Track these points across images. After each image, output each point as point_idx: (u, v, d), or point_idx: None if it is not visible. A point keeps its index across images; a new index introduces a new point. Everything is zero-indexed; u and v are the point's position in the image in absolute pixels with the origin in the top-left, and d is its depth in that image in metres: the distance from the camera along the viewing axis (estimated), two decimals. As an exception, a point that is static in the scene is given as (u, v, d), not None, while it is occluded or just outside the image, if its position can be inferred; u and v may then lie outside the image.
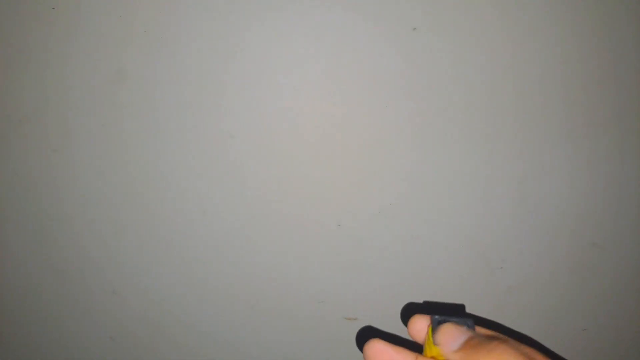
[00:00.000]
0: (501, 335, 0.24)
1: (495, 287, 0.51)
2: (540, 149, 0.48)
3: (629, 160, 0.49)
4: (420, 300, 0.51)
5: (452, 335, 0.23)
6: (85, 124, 0.48)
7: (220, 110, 0.47)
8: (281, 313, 0.53)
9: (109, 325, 0.54)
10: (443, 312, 0.26)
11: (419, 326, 0.27)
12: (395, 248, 0.50)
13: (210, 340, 0.54)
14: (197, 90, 0.47)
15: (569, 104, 0.47)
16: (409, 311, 0.50)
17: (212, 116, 0.47)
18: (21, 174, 0.50)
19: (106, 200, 0.50)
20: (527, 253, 0.50)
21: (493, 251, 0.50)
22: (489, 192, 0.49)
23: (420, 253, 0.50)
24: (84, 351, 0.55)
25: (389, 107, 0.47)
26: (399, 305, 0.51)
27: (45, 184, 0.50)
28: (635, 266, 0.51)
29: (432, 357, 0.24)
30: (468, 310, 0.51)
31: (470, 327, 0.24)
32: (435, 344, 0.24)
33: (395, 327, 0.51)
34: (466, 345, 0.23)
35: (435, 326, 0.25)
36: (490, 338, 0.22)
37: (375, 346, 0.26)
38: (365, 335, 0.52)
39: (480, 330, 0.25)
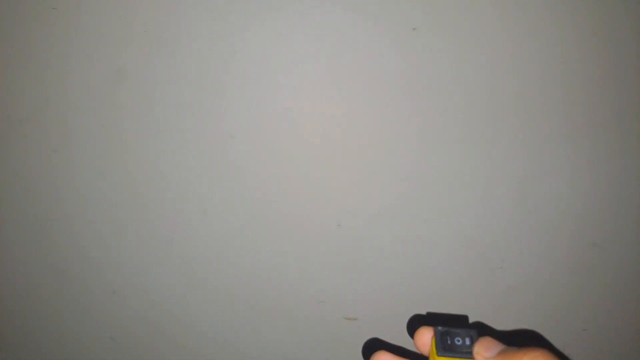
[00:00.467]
0: (534, 347, 0.25)
1: (495, 287, 0.51)
2: (540, 149, 0.48)
3: (629, 160, 0.49)
4: (421, 301, 0.51)
5: (490, 345, 0.24)
6: (85, 124, 0.48)
7: (220, 110, 0.47)
8: (281, 313, 0.53)
9: (109, 325, 0.54)
10: (447, 324, 0.26)
11: (425, 338, 0.27)
12: (395, 248, 0.50)
13: (210, 340, 0.54)
14: (197, 90, 0.47)
15: (569, 104, 0.47)
16: (415, 323, 0.50)
17: (212, 116, 0.47)
18: (21, 174, 0.50)
19: (106, 200, 0.50)
20: (527, 253, 0.50)
21: (493, 251, 0.50)
22: (489, 192, 0.49)
23: (420, 253, 0.50)
24: (84, 351, 0.55)
25: (389, 107, 0.47)
26: (399, 305, 0.51)
27: (45, 184, 0.50)
28: (635, 266, 0.51)
29: None
30: (468, 310, 0.51)
31: (474, 339, 0.25)
32: (474, 352, 0.24)
33: (395, 327, 0.51)
34: (502, 355, 0.24)
35: (438, 338, 0.25)
36: (525, 349, 0.23)
37: (381, 358, 0.27)
38: (371, 346, 0.52)
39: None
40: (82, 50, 0.47)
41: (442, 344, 0.24)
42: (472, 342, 0.24)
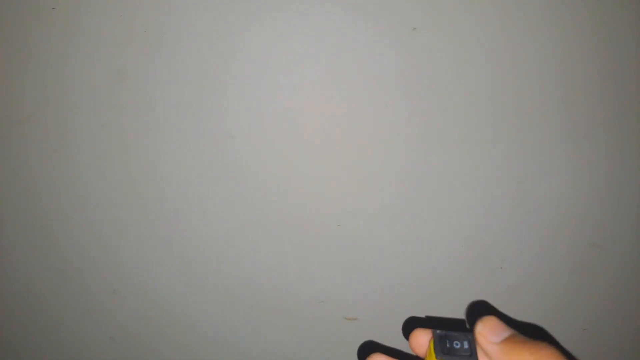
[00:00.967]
0: (544, 342, 0.24)
1: (495, 287, 0.51)
2: (540, 149, 0.48)
3: (628, 160, 0.49)
4: (420, 301, 0.51)
5: (496, 327, 0.24)
6: (85, 124, 0.48)
7: (220, 110, 0.47)
8: (281, 313, 0.53)
9: (109, 325, 0.54)
10: (444, 327, 0.26)
11: (420, 340, 0.27)
12: (395, 248, 0.50)
13: (211, 340, 0.54)
14: (197, 90, 0.47)
15: (569, 104, 0.47)
16: (410, 325, 0.50)
17: (212, 116, 0.47)
18: (21, 174, 0.50)
19: (106, 200, 0.50)
20: (527, 253, 0.50)
21: (493, 251, 0.50)
22: (489, 192, 0.49)
23: (420, 253, 0.50)
24: (84, 351, 0.55)
25: (389, 107, 0.47)
26: (399, 305, 0.51)
27: (45, 184, 0.50)
28: (635, 266, 0.51)
29: None
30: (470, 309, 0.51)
31: (472, 343, 0.24)
32: (476, 332, 0.24)
33: (395, 327, 0.51)
34: (508, 341, 0.23)
35: (437, 341, 0.25)
36: (534, 340, 0.22)
37: None
38: (367, 349, 0.52)
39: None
40: (82, 50, 0.47)
41: (441, 347, 0.24)
42: (470, 345, 0.24)
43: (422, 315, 0.51)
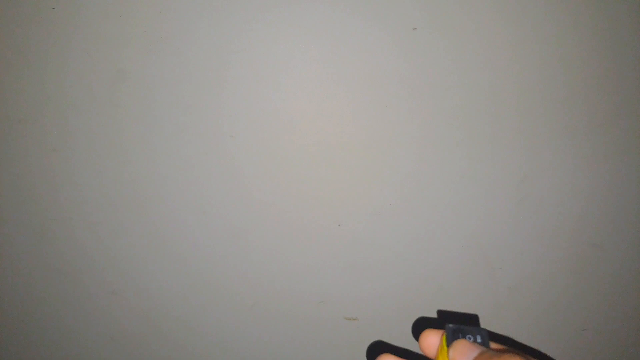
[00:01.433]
0: (512, 350, 0.24)
1: (495, 287, 0.51)
2: (540, 149, 0.48)
3: (628, 160, 0.49)
4: (420, 301, 0.51)
5: (464, 350, 0.24)
6: (85, 123, 0.48)
7: (220, 111, 0.47)
8: (281, 313, 0.53)
9: (109, 325, 0.54)
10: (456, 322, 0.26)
11: (431, 340, 0.26)
12: (395, 248, 0.50)
13: (210, 340, 0.54)
14: (197, 91, 0.47)
15: (569, 105, 0.47)
16: (420, 325, 0.50)
17: (213, 116, 0.47)
18: (21, 173, 0.50)
19: (106, 200, 0.50)
20: (527, 253, 0.50)
21: (493, 251, 0.50)
22: (489, 192, 0.49)
23: (420, 253, 0.50)
24: (84, 351, 0.55)
25: (389, 107, 0.47)
26: (399, 305, 0.51)
27: (45, 183, 0.50)
28: (635, 266, 0.51)
29: None
30: (468, 311, 0.51)
31: (484, 338, 0.24)
32: (449, 356, 0.24)
33: (395, 327, 0.51)
34: (478, 359, 0.23)
35: (449, 335, 0.25)
36: (502, 352, 0.22)
37: None
38: (376, 349, 0.52)
39: (493, 345, 0.25)
40: (82, 50, 0.46)
41: (452, 340, 0.24)
42: (483, 339, 0.24)
43: (421, 314, 0.51)
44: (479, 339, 0.24)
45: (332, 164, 0.48)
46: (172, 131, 0.48)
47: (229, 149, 0.48)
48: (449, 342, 0.24)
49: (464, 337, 0.24)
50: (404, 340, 0.51)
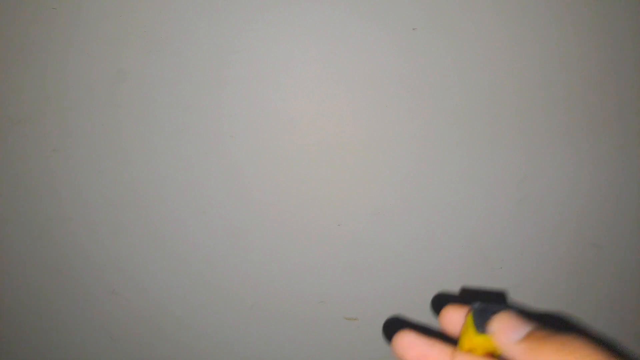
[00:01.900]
0: (573, 334, 0.22)
1: (495, 287, 0.51)
2: (540, 150, 0.48)
3: (628, 160, 0.49)
4: (421, 301, 0.51)
5: (514, 324, 0.21)
6: (85, 123, 0.48)
7: (220, 111, 0.47)
8: (281, 313, 0.53)
9: (109, 325, 0.54)
10: (483, 300, 0.23)
11: (454, 317, 0.24)
12: (395, 248, 0.50)
13: (210, 340, 0.54)
14: (197, 91, 0.47)
15: (569, 105, 0.47)
16: (440, 301, 0.49)
17: (213, 116, 0.47)
18: (21, 173, 0.50)
19: (106, 200, 0.50)
20: (527, 253, 0.50)
21: (493, 251, 0.50)
22: (489, 192, 0.49)
23: (420, 253, 0.50)
24: (84, 351, 0.55)
25: (389, 107, 0.47)
26: (399, 305, 0.51)
27: (45, 183, 0.50)
28: (635, 266, 0.51)
29: (471, 350, 0.22)
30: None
31: None
32: (489, 332, 0.21)
33: (395, 328, 0.51)
34: (531, 337, 0.20)
35: (476, 315, 0.22)
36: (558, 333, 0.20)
37: (406, 339, 0.23)
38: (393, 326, 0.50)
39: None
40: (82, 49, 0.46)
41: (481, 322, 0.22)
42: None
43: (421, 314, 0.51)
44: None
45: (332, 164, 0.48)
46: (172, 131, 0.48)
47: (229, 149, 0.48)
48: (477, 322, 0.22)
49: (492, 317, 0.22)
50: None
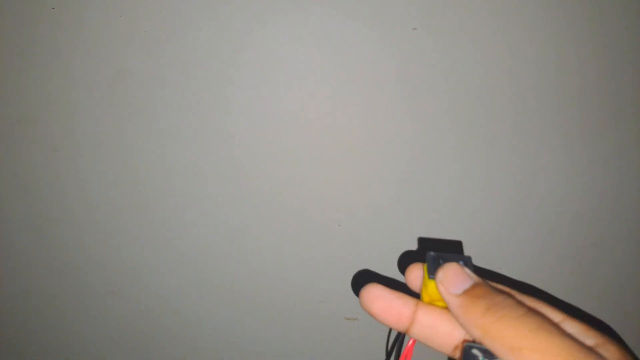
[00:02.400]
0: (508, 290, 0.22)
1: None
2: (540, 150, 0.48)
3: (628, 160, 0.49)
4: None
5: (457, 277, 0.21)
6: (85, 123, 0.48)
7: (220, 110, 0.47)
8: (281, 313, 0.53)
9: (109, 325, 0.54)
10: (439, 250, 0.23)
11: (416, 274, 0.24)
12: (395, 248, 0.50)
13: (210, 340, 0.54)
14: (197, 90, 0.47)
15: (569, 105, 0.47)
16: (406, 260, 0.49)
17: (213, 116, 0.47)
18: (21, 174, 0.50)
19: (106, 200, 0.50)
20: (527, 253, 0.50)
21: (493, 251, 0.50)
22: (489, 192, 0.49)
23: (420, 253, 0.50)
24: (84, 351, 0.55)
25: (389, 108, 0.47)
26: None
27: (46, 183, 0.50)
28: (635, 266, 0.51)
29: (432, 301, 0.22)
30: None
31: (468, 262, 0.23)
32: (436, 280, 0.21)
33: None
34: (470, 293, 0.20)
35: (431, 264, 0.23)
36: (498, 291, 0.20)
37: (373, 291, 0.23)
38: (362, 279, 0.50)
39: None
40: (83, 49, 0.47)
41: (434, 268, 0.22)
42: (467, 265, 0.22)
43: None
44: (461, 264, 0.22)
45: (332, 163, 0.48)
46: (172, 131, 0.48)
47: (229, 148, 0.48)
48: (431, 272, 0.22)
49: (444, 263, 0.22)
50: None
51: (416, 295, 0.23)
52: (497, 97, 0.47)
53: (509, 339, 0.17)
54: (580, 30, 0.46)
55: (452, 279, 0.21)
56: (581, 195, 0.49)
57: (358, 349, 0.53)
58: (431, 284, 0.22)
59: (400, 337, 0.24)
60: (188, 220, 0.50)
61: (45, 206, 0.51)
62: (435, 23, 0.45)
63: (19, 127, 0.49)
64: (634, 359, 0.18)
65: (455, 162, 0.48)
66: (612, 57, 0.46)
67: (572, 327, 0.19)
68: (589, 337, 0.18)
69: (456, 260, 0.22)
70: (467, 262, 0.23)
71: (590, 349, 0.17)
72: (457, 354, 0.22)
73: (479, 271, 0.22)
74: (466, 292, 0.20)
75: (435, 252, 0.23)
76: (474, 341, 0.20)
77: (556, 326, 0.17)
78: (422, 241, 0.49)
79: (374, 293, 0.23)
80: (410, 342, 0.23)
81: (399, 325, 0.22)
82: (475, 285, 0.20)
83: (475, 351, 0.20)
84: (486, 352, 0.19)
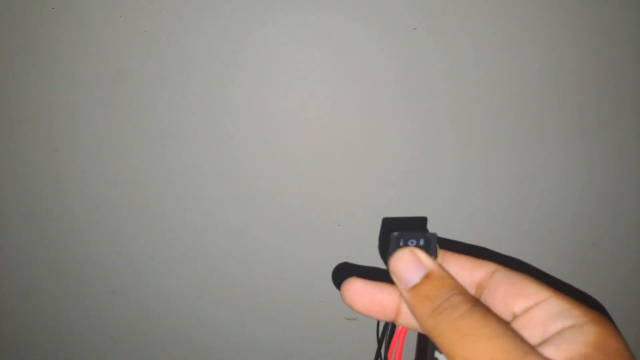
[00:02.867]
0: (488, 264, 0.20)
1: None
2: (540, 150, 0.48)
3: (628, 160, 0.49)
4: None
5: (407, 267, 0.19)
6: (85, 123, 0.48)
7: (220, 110, 0.47)
8: (281, 313, 0.53)
9: (109, 325, 0.54)
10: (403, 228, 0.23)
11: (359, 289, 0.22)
12: (395, 248, 0.50)
13: (210, 340, 0.54)
14: (197, 90, 0.47)
15: (568, 105, 0.47)
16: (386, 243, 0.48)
17: (213, 116, 0.47)
18: (21, 174, 0.50)
19: (106, 200, 0.50)
20: (527, 253, 0.50)
21: (493, 251, 0.50)
22: (489, 192, 0.49)
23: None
24: (84, 351, 0.55)
25: (389, 108, 0.47)
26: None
27: (46, 183, 0.50)
28: (635, 266, 0.51)
29: None
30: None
31: (430, 243, 0.21)
32: (389, 271, 0.20)
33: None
34: (419, 290, 0.19)
35: (393, 243, 0.21)
36: (450, 283, 0.18)
37: (354, 287, 0.22)
38: (342, 273, 0.49)
39: (446, 253, 0.22)
40: (83, 49, 0.47)
41: (395, 248, 0.21)
42: (427, 243, 0.21)
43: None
44: (422, 242, 0.21)
45: (332, 163, 0.48)
46: (172, 131, 0.48)
47: (229, 149, 0.48)
48: (391, 249, 0.21)
49: (405, 242, 0.21)
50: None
51: None
52: (497, 97, 0.47)
53: (446, 345, 0.16)
54: (580, 30, 0.46)
55: (402, 270, 0.19)
56: (581, 195, 0.49)
57: (358, 349, 0.53)
58: None
59: (390, 326, 0.23)
60: (188, 220, 0.50)
61: (45, 206, 0.51)
62: (435, 23, 0.45)
63: (19, 127, 0.49)
64: (615, 342, 0.16)
65: (455, 162, 0.48)
66: (612, 57, 0.46)
67: (556, 305, 0.17)
68: (571, 317, 0.17)
69: (417, 240, 0.21)
70: (429, 240, 0.21)
71: (529, 351, 0.15)
72: None
73: (446, 245, 0.21)
74: (415, 288, 0.19)
75: (399, 231, 0.22)
76: None
77: (497, 326, 0.16)
78: (385, 221, 0.46)
79: (355, 289, 0.22)
80: (401, 329, 0.22)
81: (386, 317, 0.22)
82: (426, 277, 0.19)
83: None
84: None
